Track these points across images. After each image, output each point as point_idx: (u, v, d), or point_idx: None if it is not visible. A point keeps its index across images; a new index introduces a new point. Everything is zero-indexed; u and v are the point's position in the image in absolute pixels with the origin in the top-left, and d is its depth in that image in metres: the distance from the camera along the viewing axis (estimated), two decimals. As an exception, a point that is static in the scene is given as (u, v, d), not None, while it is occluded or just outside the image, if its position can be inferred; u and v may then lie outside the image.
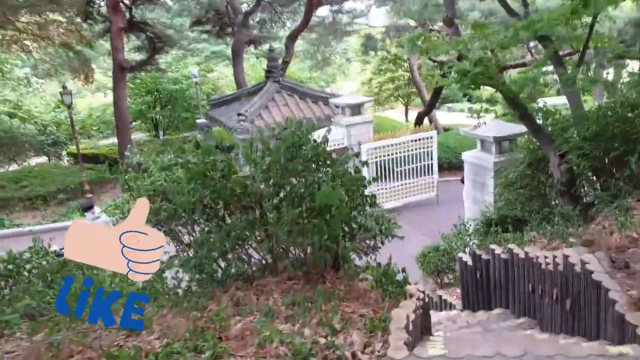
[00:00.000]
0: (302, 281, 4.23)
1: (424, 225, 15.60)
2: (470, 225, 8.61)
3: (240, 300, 3.73)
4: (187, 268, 4.14)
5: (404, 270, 5.16)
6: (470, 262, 7.40)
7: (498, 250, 6.65)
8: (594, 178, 7.00)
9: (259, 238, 4.26)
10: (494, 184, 9.60)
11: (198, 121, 23.75)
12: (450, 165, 19.77)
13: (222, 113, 20.58)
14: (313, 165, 4.12)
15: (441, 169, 18.88)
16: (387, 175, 16.81)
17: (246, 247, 4.27)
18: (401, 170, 16.97)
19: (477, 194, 10.70)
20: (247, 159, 4.09)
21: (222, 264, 4.32)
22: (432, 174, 17.41)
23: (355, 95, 22.27)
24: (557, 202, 7.63)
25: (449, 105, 35.52)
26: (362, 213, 4.67)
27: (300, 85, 20.89)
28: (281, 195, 4.19)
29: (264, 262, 4.40)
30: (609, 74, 18.33)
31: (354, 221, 4.39)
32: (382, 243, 4.73)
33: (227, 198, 4.18)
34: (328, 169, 4.31)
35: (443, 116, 30.82)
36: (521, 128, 9.09)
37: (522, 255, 5.94)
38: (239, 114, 17.85)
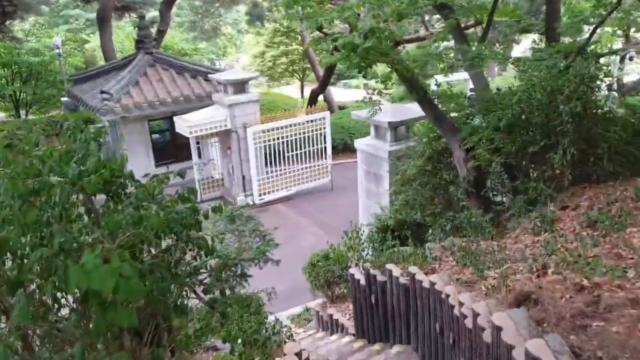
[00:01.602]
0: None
1: (319, 215, 14.30)
2: (364, 231, 7.25)
3: None
4: None
5: (269, 338, 3.57)
6: (363, 281, 6.00)
7: (396, 271, 5.28)
8: (508, 178, 5.82)
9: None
10: (390, 177, 8.29)
11: (63, 99, 20.33)
12: (346, 146, 18.52)
13: (86, 90, 17.52)
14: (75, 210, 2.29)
15: (336, 150, 17.61)
16: (277, 161, 15.19)
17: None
18: (292, 155, 15.41)
19: (371, 186, 9.38)
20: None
21: None
22: (325, 158, 16.03)
23: (240, 71, 20.08)
24: (462, 202, 6.42)
25: (345, 81, 34.49)
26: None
27: (177, 58, 18.33)
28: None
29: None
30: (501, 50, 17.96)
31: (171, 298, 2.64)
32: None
33: None
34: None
35: (339, 93, 29.63)
36: (420, 112, 7.79)
37: (426, 284, 4.59)
38: (102, 92, 15.10)
